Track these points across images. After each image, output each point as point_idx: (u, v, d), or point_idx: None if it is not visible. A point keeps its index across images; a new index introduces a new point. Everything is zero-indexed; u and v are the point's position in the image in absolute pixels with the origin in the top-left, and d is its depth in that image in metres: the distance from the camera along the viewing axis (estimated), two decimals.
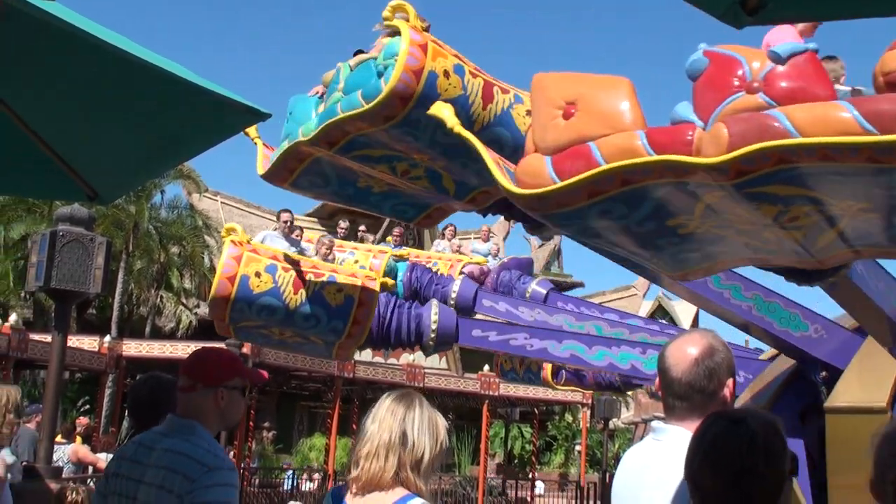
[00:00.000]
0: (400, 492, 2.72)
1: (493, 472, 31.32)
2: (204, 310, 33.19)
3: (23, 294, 28.43)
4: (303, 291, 7.35)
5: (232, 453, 23.20)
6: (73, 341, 22.80)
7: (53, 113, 3.44)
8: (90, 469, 13.05)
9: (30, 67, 3.14)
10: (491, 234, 18.88)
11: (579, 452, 33.17)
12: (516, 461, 36.44)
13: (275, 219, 39.11)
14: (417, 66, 5.67)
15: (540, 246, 45.53)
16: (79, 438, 15.26)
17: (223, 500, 3.00)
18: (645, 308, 47.50)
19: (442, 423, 2.85)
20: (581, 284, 45.40)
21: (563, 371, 9.93)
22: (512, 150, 5.86)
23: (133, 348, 26.19)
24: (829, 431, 8.16)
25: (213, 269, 32.94)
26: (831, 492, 7.36)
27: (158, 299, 32.01)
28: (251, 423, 25.44)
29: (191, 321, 32.36)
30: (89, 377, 28.95)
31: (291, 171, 6.61)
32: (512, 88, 6.42)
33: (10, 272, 27.98)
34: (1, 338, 21.35)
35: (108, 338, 25.77)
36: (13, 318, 23.14)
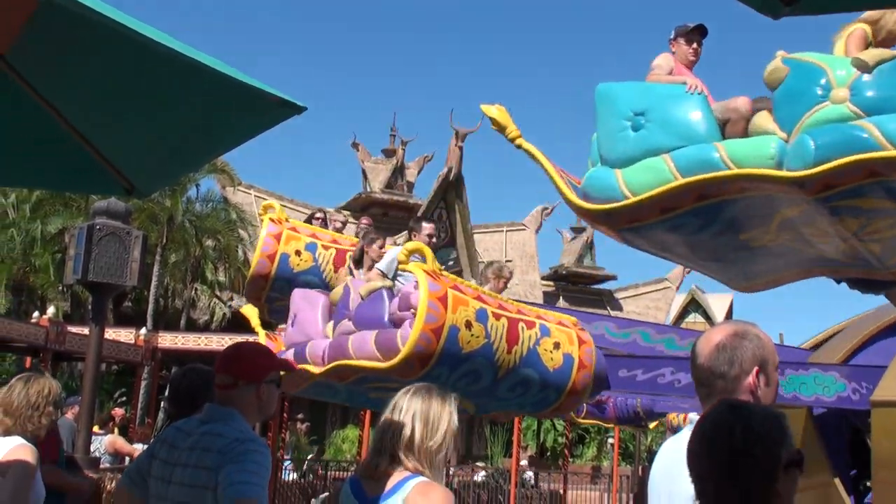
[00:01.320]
0: (404, 473, 2.86)
1: (525, 464, 31.32)
2: (238, 302, 33.42)
3: (60, 287, 28.75)
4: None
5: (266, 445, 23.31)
6: (110, 333, 23.07)
7: (91, 107, 3.47)
8: (126, 460, 13.19)
9: (68, 62, 3.17)
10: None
11: (612, 445, 33.09)
12: (548, 454, 36.39)
13: (307, 212, 39.35)
14: (437, 324, 5.57)
15: (572, 239, 45.37)
16: (116, 429, 15.42)
17: (251, 471, 3.05)
18: (678, 301, 47.25)
19: (447, 414, 2.94)
20: (614, 277, 45.23)
21: (585, 404, 9.87)
22: (538, 388, 5.95)
23: (168, 340, 26.45)
24: (874, 425, 8.14)
25: (247, 263, 33.10)
26: (876, 487, 7.32)
27: (193, 292, 32.26)
28: (285, 415, 25.57)
29: (224, 314, 32.58)
30: (125, 369, 29.27)
31: (299, 385, 6.96)
32: (540, 317, 6.31)
33: (48, 265, 28.31)
34: (39, 330, 21.63)
35: (143, 330, 26.05)
36: (51, 310, 23.47)
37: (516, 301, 6.77)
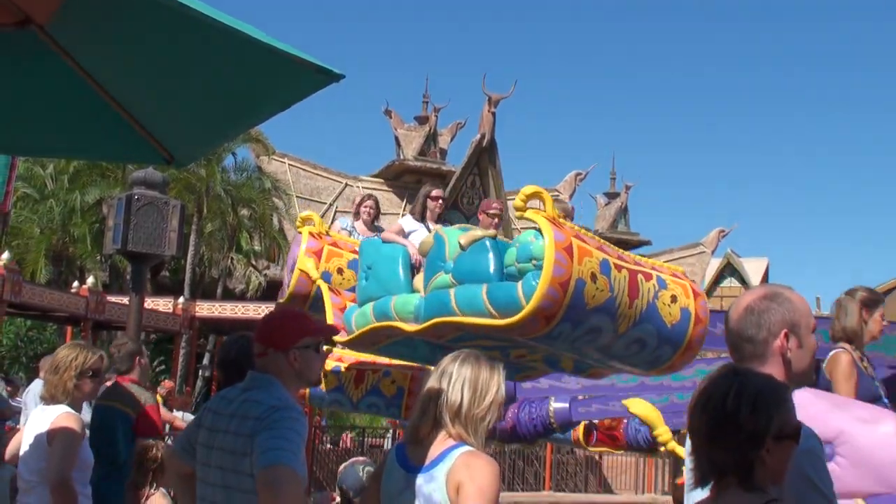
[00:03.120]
0: (449, 442, 2.86)
1: None
2: (273, 271, 33.63)
3: (99, 257, 29.07)
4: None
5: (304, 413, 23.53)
6: (149, 303, 23.31)
7: (130, 77, 3.48)
8: (167, 427, 13.37)
9: (106, 32, 3.18)
10: None
11: None
12: None
13: (341, 181, 39.24)
14: (564, 277, 5.02)
15: (606, 204, 45.14)
16: (158, 397, 15.63)
17: (286, 437, 3.06)
18: (713, 265, 46.93)
19: (495, 383, 2.93)
20: (648, 242, 44.98)
21: (595, 431, 9.72)
22: (655, 345, 5.55)
23: (205, 309, 26.67)
24: None
25: (281, 231, 33.36)
26: None
27: (229, 261, 32.50)
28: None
29: (260, 282, 32.83)
30: (163, 338, 29.61)
31: (377, 343, 6.45)
32: (654, 269, 5.87)
33: (86, 236, 28.60)
34: (79, 300, 21.90)
35: (181, 299, 26.29)
36: (91, 280, 23.73)
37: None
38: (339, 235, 7.81)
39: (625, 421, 9.68)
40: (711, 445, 2.09)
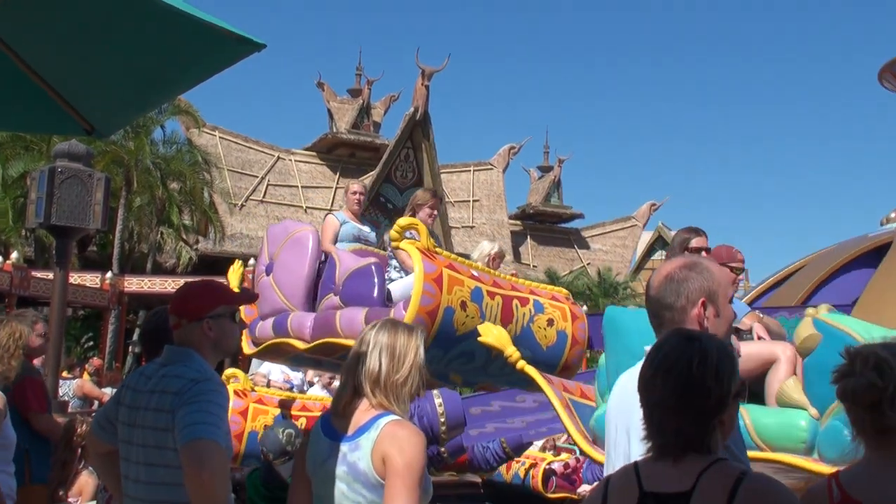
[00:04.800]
0: (372, 411, 2.85)
1: None
2: (204, 245, 33.28)
3: (23, 232, 28.45)
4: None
5: None
6: (75, 278, 22.92)
7: (48, 47, 3.41)
8: (95, 404, 13.21)
9: (23, 3, 3.11)
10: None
11: None
12: None
13: (273, 153, 38.92)
14: (432, 306, 5.25)
15: (539, 178, 45.40)
16: (86, 374, 15.42)
17: (206, 411, 3.04)
18: (645, 238, 47.56)
19: (413, 348, 2.93)
20: (581, 215, 45.40)
21: (554, 478, 9.64)
22: (532, 365, 5.59)
23: (135, 284, 26.32)
24: None
25: (212, 205, 32.97)
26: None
27: (159, 236, 32.05)
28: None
29: (191, 257, 32.44)
30: (92, 314, 29.14)
31: (283, 355, 6.82)
32: (533, 293, 6.02)
33: (9, 210, 27.96)
34: (3, 275, 21.46)
35: (109, 274, 25.88)
36: (14, 255, 23.24)
37: (510, 277, 6.46)
38: (265, 390, 7.85)
39: (584, 464, 9.63)
40: (679, 415, 2.08)
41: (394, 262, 6.29)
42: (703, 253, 5.90)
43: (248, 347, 6.88)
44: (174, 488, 3.09)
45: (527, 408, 8.79)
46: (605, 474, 2.75)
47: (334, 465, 2.83)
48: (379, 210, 35.89)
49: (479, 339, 5.29)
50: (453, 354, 5.50)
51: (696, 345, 2.13)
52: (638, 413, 2.53)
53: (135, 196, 30.39)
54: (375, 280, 5.95)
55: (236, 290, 6.78)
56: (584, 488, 9.27)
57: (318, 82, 39.72)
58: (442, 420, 8.54)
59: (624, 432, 2.63)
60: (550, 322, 5.93)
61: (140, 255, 32.58)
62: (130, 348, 28.61)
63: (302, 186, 37.27)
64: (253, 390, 7.44)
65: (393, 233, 5.58)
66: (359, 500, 2.78)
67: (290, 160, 38.04)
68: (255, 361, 10.68)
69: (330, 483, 2.84)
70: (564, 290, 6.62)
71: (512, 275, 7.48)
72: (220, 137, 36.38)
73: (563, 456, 9.70)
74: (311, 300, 6.56)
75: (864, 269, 11.25)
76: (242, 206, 35.28)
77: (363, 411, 2.87)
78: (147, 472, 3.17)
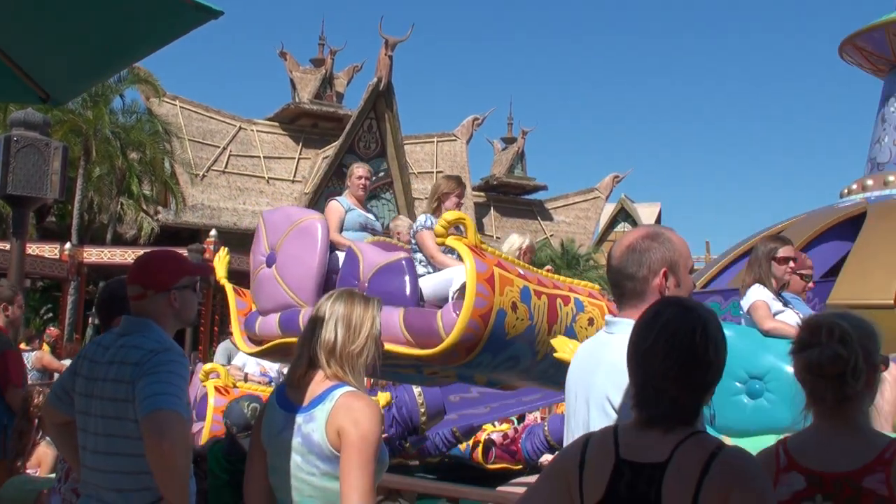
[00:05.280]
0: (327, 382, 2.84)
1: None
2: (165, 216, 32.98)
3: None
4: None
5: (198, 358, 23.28)
6: (34, 249, 22.65)
7: (1, 13, 3.34)
8: (55, 376, 13.07)
9: None
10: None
11: None
12: None
13: (235, 124, 38.55)
14: (485, 309, 4.93)
15: (503, 149, 45.39)
16: (45, 346, 15.25)
17: (167, 381, 3.04)
18: (608, 210, 47.82)
19: (369, 318, 2.92)
20: (544, 187, 45.49)
21: (494, 449, 9.59)
22: None
23: (94, 255, 26.05)
24: None
25: (173, 176, 32.63)
26: None
27: (119, 206, 31.69)
28: (216, 329, 25.52)
29: (153, 228, 32.16)
30: (52, 285, 28.80)
31: (289, 356, 6.29)
32: (572, 290, 5.77)
33: None
34: None
35: (68, 245, 25.58)
36: None
37: (548, 273, 6.21)
38: (499, 252, 6.42)
39: (522, 435, 9.59)
40: (678, 385, 2.08)
41: (418, 256, 5.96)
42: (791, 263, 5.73)
43: (245, 345, 6.47)
44: (133, 459, 3.10)
45: (502, 393, 8.77)
46: (565, 442, 2.77)
47: (289, 437, 2.82)
48: (342, 181, 35.69)
49: (554, 355, 5.06)
50: (501, 359, 5.25)
51: (696, 315, 2.14)
52: (597, 381, 2.58)
53: (94, 166, 29.99)
54: (408, 277, 5.56)
55: (223, 280, 6.70)
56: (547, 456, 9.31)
57: (280, 52, 39.36)
58: (422, 410, 8.51)
59: (583, 401, 2.65)
60: (591, 321, 5.68)
61: (100, 225, 32.22)
62: (90, 320, 28.31)
63: (264, 157, 37.00)
64: (235, 386, 7.30)
65: (439, 227, 5.18)
66: (313, 471, 2.78)
67: (252, 130, 37.72)
68: (219, 352, 10.44)
69: (285, 454, 2.83)
70: (596, 286, 6.37)
71: (548, 270, 7.17)
72: (180, 107, 35.96)
73: (503, 426, 9.65)
74: (321, 295, 6.07)
75: (837, 240, 11.39)
76: (204, 176, 34.96)
77: (318, 382, 2.86)
78: (106, 443, 3.16)
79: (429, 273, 5.83)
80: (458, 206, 6.29)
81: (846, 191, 12.84)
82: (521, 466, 9.52)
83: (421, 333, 5.13)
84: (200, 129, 36.03)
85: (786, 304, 5.37)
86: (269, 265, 6.27)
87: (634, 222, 47.64)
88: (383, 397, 8.02)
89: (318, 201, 35.08)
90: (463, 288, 5.25)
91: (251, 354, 6.63)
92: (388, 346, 5.05)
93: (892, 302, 9.53)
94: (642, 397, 2.12)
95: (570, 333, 5.45)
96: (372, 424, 2.74)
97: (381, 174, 36.11)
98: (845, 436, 2.34)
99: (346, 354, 2.86)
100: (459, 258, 5.39)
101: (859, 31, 12.72)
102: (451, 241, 5.22)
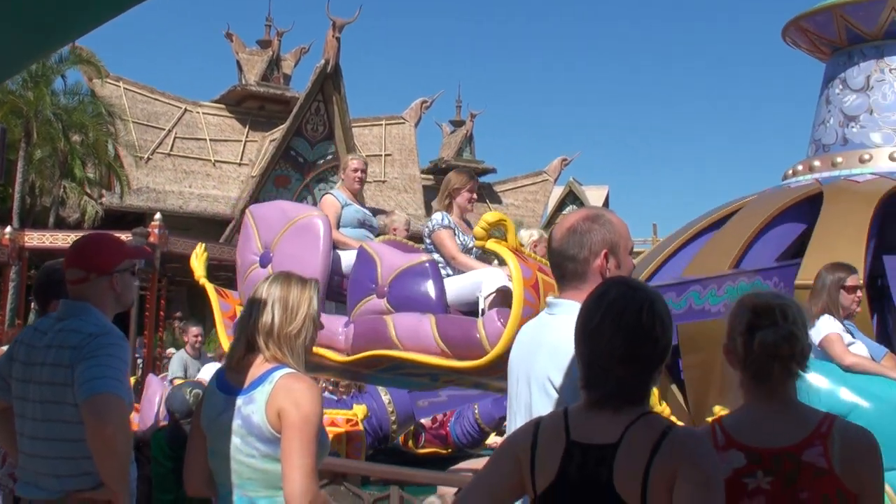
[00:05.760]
0: (266, 365, 2.82)
1: None
2: (110, 200, 32.47)
3: None
4: None
5: (143, 343, 23.03)
6: None
7: None
8: None
9: None
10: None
11: None
12: None
13: (180, 105, 38.01)
14: (532, 315, 4.31)
15: (452, 132, 45.34)
16: None
17: (107, 365, 3.02)
18: (556, 193, 47.98)
19: (306, 299, 2.90)
20: (493, 170, 45.52)
21: (423, 433, 9.53)
22: None
23: (36, 239, 25.58)
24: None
25: (117, 159, 32.13)
26: None
27: (62, 189, 31.13)
28: (161, 314, 25.25)
29: (97, 211, 31.62)
30: None
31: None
32: None
33: None
34: None
35: (9, 229, 25.11)
36: None
37: None
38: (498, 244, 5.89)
39: (451, 419, 9.51)
40: (625, 364, 2.08)
41: (436, 257, 5.63)
42: (858, 292, 5.64)
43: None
44: (72, 444, 3.07)
45: (472, 395, 8.71)
46: (508, 426, 2.79)
47: (229, 419, 2.80)
48: (290, 164, 35.48)
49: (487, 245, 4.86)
50: None
51: (642, 294, 2.15)
52: (538, 362, 2.59)
53: (35, 148, 29.39)
54: (433, 282, 5.22)
55: (203, 279, 6.52)
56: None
57: (226, 33, 38.87)
58: (392, 419, 8.47)
59: (525, 383, 2.65)
60: None
61: (42, 209, 31.63)
62: (32, 305, 27.87)
63: (210, 140, 36.57)
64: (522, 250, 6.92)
65: (478, 230, 4.87)
66: (252, 453, 2.76)
67: (198, 113, 37.25)
68: (175, 364, 10.24)
69: (224, 437, 2.81)
70: None
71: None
72: (124, 88, 35.36)
73: (354, 408, 9.65)
74: (324, 299, 5.68)
75: (791, 222, 11.52)
76: (149, 159, 34.46)
77: (257, 365, 2.84)
78: (44, 429, 3.13)
79: (448, 276, 5.51)
80: (471, 201, 5.95)
81: (791, 172, 12.99)
82: (450, 450, 9.50)
83: (460, 344, 4.88)
84: (145, 111, 35.49)
85: (852, 333, 5.28)
86: (263, 265, 5.89)
87: (583, 205, 47.79)
88: (360, 410, 7.98)
89: (265, 185, 34.80)
90: (498, 293, 5.02)
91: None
92: (420, 358, 5.04)
93: (861, 282, 9.67)
94: (590, 377, 2.12)
95: None
96: (312, 405, 2.73)
97: (329, 157, 35.91)
98: (781, 412, 2.37)
99: (285, 336, 2.84)
100: (479, 259, 5.26)
101: (805, 13, 12.85)
102: (492, 244, 4.95)
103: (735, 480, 2.28)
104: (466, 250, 5.64)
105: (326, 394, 9.95)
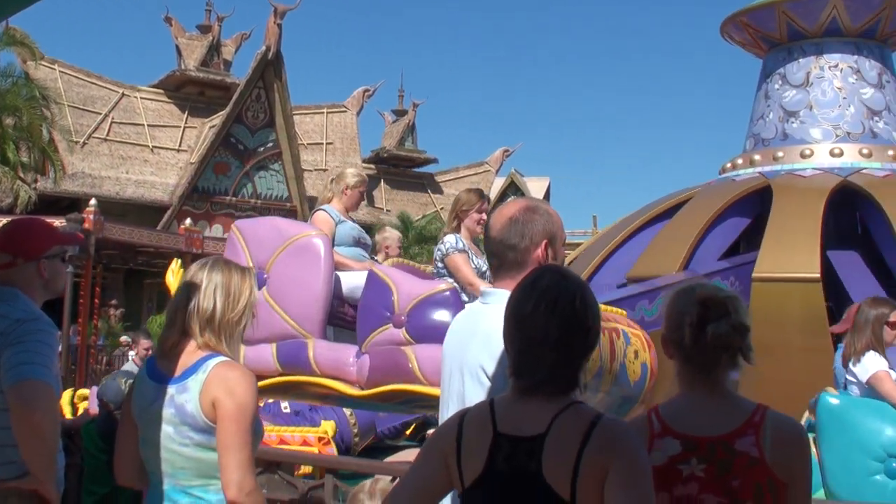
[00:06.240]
0: (202, 352, 2.80)
1: None
2: (44, 185, 31.81)
3: None
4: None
5: (77, 331, 22.63)
6: None
7: None
8: None
9: None
10: None
11: None
12: None
13: (117, 90, 37.33)
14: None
15: (394, 122, 45.22)
16: None
17: (35, 351, 2.97)
18: (498, 184, 48.13)
19: (247, 287, 2.89)
20: (435, 160, 45.53)
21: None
22: (619, 405, 5.11)
23: None
24: (753, 297, 9.26)
25: (52, 143, 31.47)
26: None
27: None
28: (96, 301, 24.84)
29: (30, 196, 30.90)
30: None
31: (299, 395, 6.13)
32: (616, 320, 5.34)
33: None
34: None
35: None
36: None
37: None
38: None
39: (336, 433, 9.44)
40: (557, 352, 2.08)
41: (449, 281, 5.44)
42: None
43: None
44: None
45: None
46: (441, 416, 2.79)
47: (161, 408, 2.77)
48: (230, 151, 35.09)
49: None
50: None
51: (575, 281, 2.17)
52: (471, 351, 2.62)
53: None
54: (456, 311, 4.72)
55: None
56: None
57: (165, 17, 38.27)
58: (355, 431, 8.41)
59: (458, 372, 2.68)
60: (636, 354, 5.30)
61: None
62: None
63: (148, 125, 36.00)
64: None
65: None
66: (185, 441, 2.73)
67: (136, 97, 36.64)
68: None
69: (156, 426, 2.78)
70: (623, 311, 5.97)
71: None
72: (60, 71, 34.65)
73: (323, 425, 9.57)
74: (326, 324, 5.48)
75: (737, 217, 11.71)
76: (84, 143, 33.82)
77: (190, 353, 2.81)
78: None
79: (465, 302, 5.19)
80: (481, 223, 5.68)
81: (730, 165, 13.15)
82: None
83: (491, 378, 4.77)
84: (81, 94, 34.82)
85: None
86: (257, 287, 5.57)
87: (524, 196, 48.08)
88: (329, 426, 7.90)
89: (204, 171, 34.37)
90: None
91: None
92: (437, 390, 4.82)
93: (818, 275, 9.90)
94: (521, 364, 2.12)
95: (622, 369, 5.08)
96: (247, 395, 2.72)
97: (270, 144, 35.61)
98: (717, 402, 2.41)
99: (226, 322, 2.81)
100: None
101: (747, 9, 13.04)
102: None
103: (670, 467, 2.31)
104: (480, 274, 5.49)
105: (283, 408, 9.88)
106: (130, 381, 5.59)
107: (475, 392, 2.55)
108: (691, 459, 2.32)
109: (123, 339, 23.10)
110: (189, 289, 2.86)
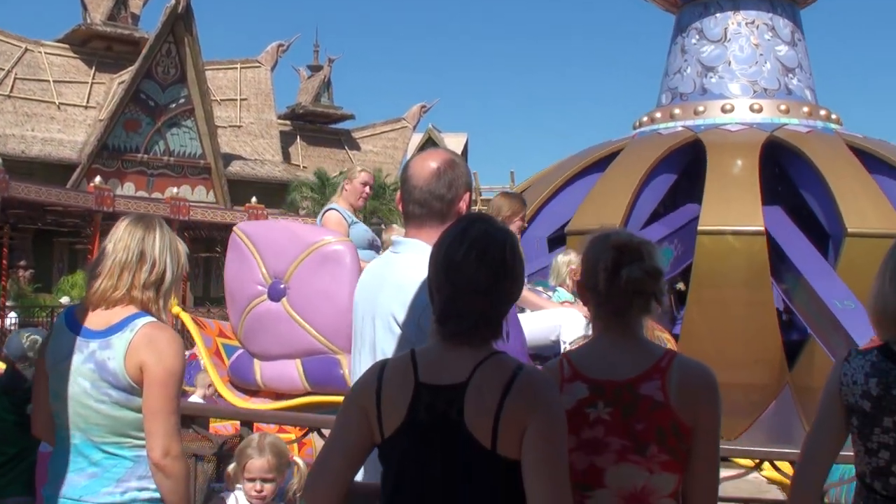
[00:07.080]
0: (131, 309, 2.76)
1: None
2: None
3: None
4: None
5: None
6: None
7: None
8: None
9: None
10: None
11: None
12: None
13: (21, 45, 36.21)
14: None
15: (309, 77, 44.63)
16: None
17: None
18: (415, 140, 47.95)
19: (182, 248, 2.89)
20: (351, 116, 45.15)
21: None
22: None
23: None
24: (697, 251, 9.86)
25: None
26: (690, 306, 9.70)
27: None
28: (4, 262, 24.15)
29: None
30: None
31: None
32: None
33: None
34: None
35: None
36: None
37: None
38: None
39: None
40: (486, 298, 2.11)
41: (337, 233, 5.20)
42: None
43: (234, 397, 5.33)
44: None
45: None
46: (354, 365, 2.84)
47: (79, 362, 2.72)
48: (140, 108, 34.25)
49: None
50: None
51: (503, 230, 2.22)
52: (382, 300, 2.65)
53: None
54: (510, 325, 4.63)
55: (177, 309, 5.37)
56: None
57: None
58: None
59: (370, 321, 2.72)
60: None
61: None
62: None
63: (54, 81, 34.92)
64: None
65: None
66: (103, 398, 2.70)
67: (40, 52, 35.45)
68: None
69: (72, 379, 2.73)
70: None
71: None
72: None
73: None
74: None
75: (665, 173, 11.81)
76: None
77: (117, 310, 2.76)
78: None
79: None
80: (521, 231, 5.41)
81: (647, 119, 13.22)
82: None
83: None
84: None
85: None
86: (274, 298, 5.17)
87: (438, 147, 47.97)
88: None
89: (114, 129, 33.50)
90: (582, 336, 4.67)
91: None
92: None
93: (762, 228, 10.03)
94: (448, 311, 2.13)
95: None
96: (177, 360, 2.71)
97: (182, 101, 34.84)
98: (626, 346, 2.44)
99: (165, 281, 2.81)
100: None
101: None
102: (176, 309, 4.96)
103: (578, 410, 2.34)
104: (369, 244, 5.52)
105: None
106: (35, 336, 5.42)
107: (387, 340, 2.60)
108: (598, 403, 2.35)
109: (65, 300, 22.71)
110: (126, 242, 2.80)
